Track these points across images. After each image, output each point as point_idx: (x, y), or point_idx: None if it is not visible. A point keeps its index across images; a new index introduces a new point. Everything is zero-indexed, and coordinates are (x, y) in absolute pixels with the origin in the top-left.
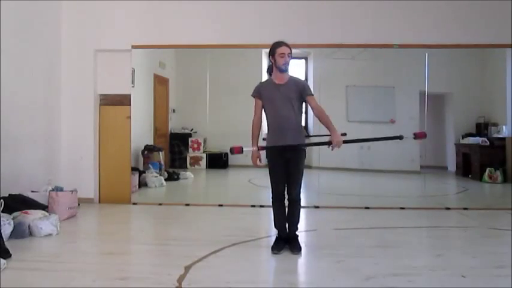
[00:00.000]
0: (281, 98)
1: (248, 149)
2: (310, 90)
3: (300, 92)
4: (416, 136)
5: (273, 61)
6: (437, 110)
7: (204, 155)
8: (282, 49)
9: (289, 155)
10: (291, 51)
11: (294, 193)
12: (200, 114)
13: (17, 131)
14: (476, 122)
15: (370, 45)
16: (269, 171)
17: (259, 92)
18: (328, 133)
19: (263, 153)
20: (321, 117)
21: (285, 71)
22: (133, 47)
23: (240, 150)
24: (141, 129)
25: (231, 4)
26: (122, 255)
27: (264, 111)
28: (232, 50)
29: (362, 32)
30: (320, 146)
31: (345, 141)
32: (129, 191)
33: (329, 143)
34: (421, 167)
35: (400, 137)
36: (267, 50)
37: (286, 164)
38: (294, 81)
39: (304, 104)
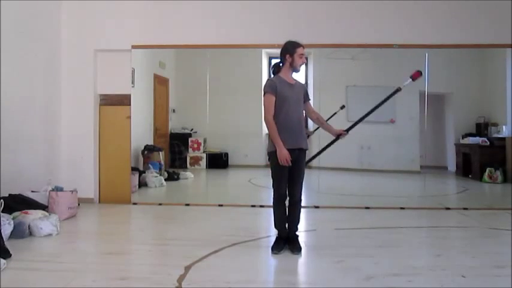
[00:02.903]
0: (294, 98)
1: None
2: (309, 96)
3: (304, 95)
4: (413, 77)
5: (289, 60)
6: (437, 110)
7: (204, 155)
8: (302, 49)
9: (294, 156)
10: None
11: (296, 194)
12: (200, 114)
13: (17, 131)
14: (476, 122)
15: (370, 45)
16: (273, 171)
17: (275, 89)
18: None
19: (264, 153)
20: (321, 120)
21: (299, 71)
22: (133, 47)
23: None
24: (141, 129)
25: (231, 4)
26: (122, 255)
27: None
28: (232, 50)
29: (362, 32)
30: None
31: (348, 129)
32: (129, 191)
33: (337, 138)
34: (421, 167)
35: (398, 90)
36: (267, 50)
37: (291, 164)
38: (300, 83)
39: None
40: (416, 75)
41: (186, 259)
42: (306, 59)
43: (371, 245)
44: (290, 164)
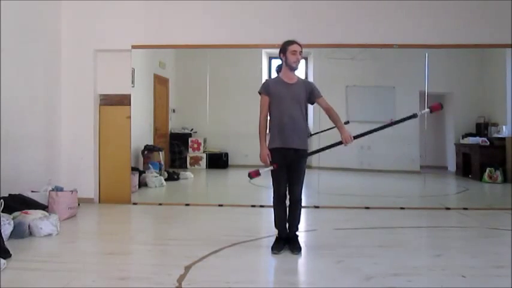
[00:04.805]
0: (290, 97)
1: (265, 169)
2: (319, 92)
3: (309, 93)
4: (432, 109)
5: (284, 59)
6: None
7: (204, 155)
8: (294, 47)
9: (292, 156)
10: (302, 50)
11: (296, 194)
12: (200, 114)
13: (17, 131)
14: (476, 122)
15: (370, 45)
16: (272, 171)
17: (268, 89)
18: (326, 128)
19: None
20: (333, 117)
21: (296, 69)
22: (133, 47)
23: (257, 173)
24: (141, 129)
25: (232, 4)
26: (122, 255)
27: (269, 109)
28: (232, 50)
29: (362, 32)
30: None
31: (356, 136)
32: (129, 191)
33: (340, 142)
34: (421, 167)
35: (414, 116)
36: (267, 50)
37: (288, 164)
38: (303, 81)
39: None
40: (436, 108)
41: (186, 259)
42: (306, 59)
43: (371, 245)
44: (268, 164)
